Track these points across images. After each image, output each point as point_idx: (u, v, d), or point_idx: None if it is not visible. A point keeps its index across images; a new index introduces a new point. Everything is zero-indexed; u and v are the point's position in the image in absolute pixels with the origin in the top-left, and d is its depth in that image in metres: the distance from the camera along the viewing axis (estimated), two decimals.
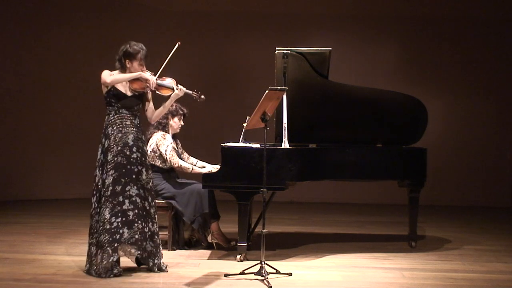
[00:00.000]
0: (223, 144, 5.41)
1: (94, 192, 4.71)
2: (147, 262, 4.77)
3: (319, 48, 5.86)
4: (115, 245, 4.57)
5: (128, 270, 4.76)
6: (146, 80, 4.68)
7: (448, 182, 9.17)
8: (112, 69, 4.77)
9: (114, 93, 4.69)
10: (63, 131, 9.02)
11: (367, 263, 5.30)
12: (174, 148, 5.65)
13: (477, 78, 9.28)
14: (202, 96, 5.00)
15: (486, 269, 5.19)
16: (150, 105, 4.87)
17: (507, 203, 9.17)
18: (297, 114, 5.66)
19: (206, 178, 5.32)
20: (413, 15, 9.25)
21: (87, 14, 9.03)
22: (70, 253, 5.42)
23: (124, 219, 4.58)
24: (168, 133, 5.70)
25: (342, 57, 8.67)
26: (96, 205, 4.68)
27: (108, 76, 4.64)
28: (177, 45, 4.85)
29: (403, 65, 9.31)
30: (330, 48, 5.84)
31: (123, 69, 4.75)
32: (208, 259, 5.36)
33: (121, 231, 4.57)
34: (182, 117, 5.78)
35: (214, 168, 5.61)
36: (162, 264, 4.82)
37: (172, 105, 5.71)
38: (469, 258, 5.55)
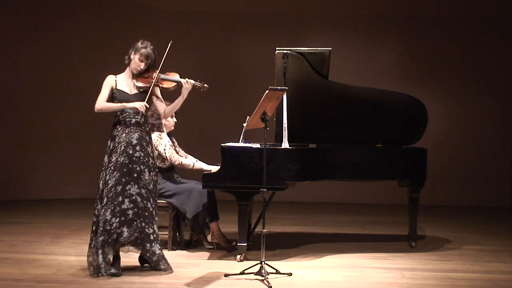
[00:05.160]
0: (223, 144, 5.41)
1: (98, 196, 4.73)
2: (158, 266, 4.74)
3: (319, 48, 5.86)
4: (114, 245, 4.59)
5: (128, 270, 4.76)
6: (134, 108, 4.71)
7: (448, 182, 9.16)
8: (116, 71, 4.81)
9: (117, 94, 4.77)
10: (63, 131, 9.01)
11: (367, 263, 5.30)
12: (172, 146, 5.66)
13: (478, 78, 9.27)
14: (205, 85, 5.02)
15: (486, 269, 5.19)
16: (160, 101, 4.93)
17: (507, 203, 9.16)
18: (297, 114, 5.66)
19: (206, 178, 5.32)
20: (413, 15, 9.24)
21: (87, 14, 9.02)
22: (70, 253, 5.42)
23: (123, 218, 4.59)
24: (164, 132, 5.70)
25: (342, 57, 8.66)
26: (95, 206, 4.70)
27: (100, 101, 4.74)
28: (169, 45, 4.83)
29: (403, 65, 9.30)
30: (330, 48, 5.84)
31: (129, 61, 4.82)
32: (208, 259, 5.36)
33: (119, 230, 4.59)
34: (174, 113, 5.78)
35: (214, 168, 5.61)
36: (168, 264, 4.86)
37: None
38: (469, 258, 5.55)
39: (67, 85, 8.99)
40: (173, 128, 5.81)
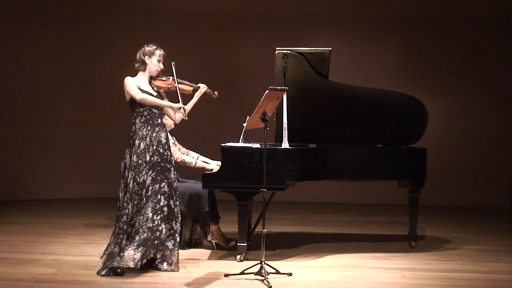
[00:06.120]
0: (223, 144, 5.41)
1: (128, 195, 4.75)
2: (163, 261, 4.80)
3: (319, 48, 5.86)
4: (156, 242, 4.68)
5: (128, 270, 4.76)
6: (180, 107, 4.88)
7: (448, 182, 9.16)
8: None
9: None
10: (63, 131, 9.01)
11: (367, 263, 5.30)
12: (174, 144, 5.66)
13: (478, 78, 9.27)
14: (216, 92, 5.31)
15: (486, 269, 5.19)
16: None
17: (507, 203, 9.16)
18: (297, 114, 5.65)
19: (206, 178, 5.32)
20: (413, 15, 9.24)
21: (87, 14, 9.02)
22: (70, 253, 5.42)
23: (162, 215, 4.73)
24: None
25: (342, 57, 8.66)
26: (124, 205, 4.73)
27: (139, 93, 4.77)
28: (173, 66, 5.01)
29: (403, 65, 9.30)
30: (330, 48, 5.84)
31: (144, 66, 4.91)
32: (208, 259, 5.36)
33: (160, 227, 4.71)
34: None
35: (216, 164, 5.60)
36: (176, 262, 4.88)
37: None
38: (469, 258, 5.55)
39: (67, 85, 8.99)
40: (173, 126, 5.80)
